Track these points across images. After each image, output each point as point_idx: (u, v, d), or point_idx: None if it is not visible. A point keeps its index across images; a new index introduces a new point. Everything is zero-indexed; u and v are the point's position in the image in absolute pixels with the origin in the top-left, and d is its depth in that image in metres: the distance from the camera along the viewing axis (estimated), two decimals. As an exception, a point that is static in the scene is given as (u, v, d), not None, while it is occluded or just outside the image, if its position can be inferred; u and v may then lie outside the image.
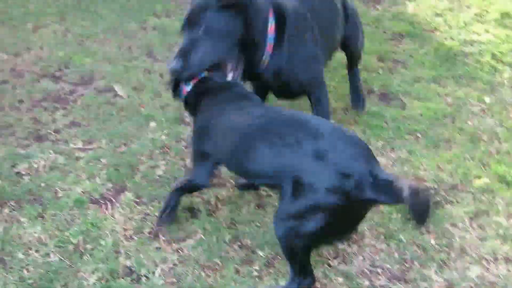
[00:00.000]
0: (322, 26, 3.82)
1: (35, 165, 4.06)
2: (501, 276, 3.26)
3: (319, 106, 3.92)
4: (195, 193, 3.70)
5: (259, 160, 2.95)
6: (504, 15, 6.07)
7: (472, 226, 3.61)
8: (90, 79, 5.05)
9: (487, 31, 5.82)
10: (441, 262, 3.36)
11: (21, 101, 4.74)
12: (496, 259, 3.37)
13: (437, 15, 6.12)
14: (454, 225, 3.61)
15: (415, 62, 5.25)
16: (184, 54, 3.32)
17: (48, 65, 5.21)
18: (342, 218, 2.78)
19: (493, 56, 5.40)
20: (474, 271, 3.30)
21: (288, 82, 3.75)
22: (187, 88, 3.45)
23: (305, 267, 2.98)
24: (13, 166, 4.06)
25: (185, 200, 3.70)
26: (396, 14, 6.09)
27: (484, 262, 3.36)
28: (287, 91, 3.91)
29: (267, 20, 3.52)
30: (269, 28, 3.51)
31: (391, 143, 4.28)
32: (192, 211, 3.69)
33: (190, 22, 3.40)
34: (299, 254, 2.91)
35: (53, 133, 4.39)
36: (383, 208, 3.64)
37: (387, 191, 2.65)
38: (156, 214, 3.62)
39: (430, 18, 6.08)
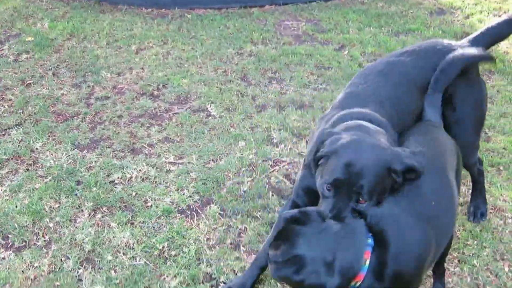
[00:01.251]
0: None
1: (128, 175, 4.26)
2: None
3: None
4: (280, 204, 3.82)
5: None
6: None
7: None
8: (185, 99, 5.25)
9: None
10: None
11: (120, 116, 4.98)
12: None
13: (531, 53, 6.03)
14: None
15: (502, 98, 5.19)
16: None
17: (147, 84, 5.46)
18: None
19: None
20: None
21: None
22: None
23: None
24: (108, 176, 4.28)
25: (266, 215, 3.81)
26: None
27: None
28: None
29: None
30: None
31: (473, 174, 4.24)
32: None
33: None
34: None
35: (147, 147, 4.59)
36: (459, 233, 3.64)
37: None
38: (239, 225, 3.74)
39: (523, 56, 5.99)
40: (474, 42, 3.41)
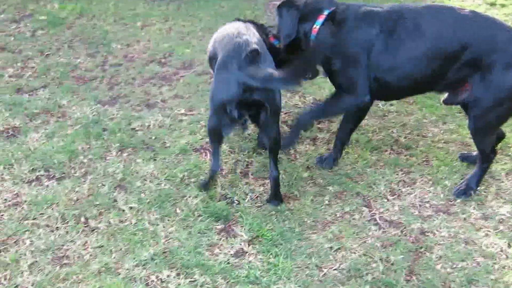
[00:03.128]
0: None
1: (147, 124, 4.84)
2: (528, 212, 3.85)
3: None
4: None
5: None
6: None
7: (507, 178, 4.20)
8: (190, 65, 5.84)
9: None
10: (479, 202, 3.96)
11: (134, 78, 5.56)
12: (525, 201, 3.96)
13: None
14: (492, 177, 4.21)
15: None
16: None
17: (155, 53, 6.04)
18: None
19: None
20: (506, 209, 3.91)
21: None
22: None
23: None
24: (129, 124, 4.85)
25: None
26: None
27: (515, 202, 3.95)
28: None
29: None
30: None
31: (443, 118, 4.90)
32: (275, 159, 4.40)
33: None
34: None
35: (161, 102, 5.18)
36: (432, 162, 4.29)
37: None
38: (246, 159, 4.35)
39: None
40: None
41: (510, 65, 3.59)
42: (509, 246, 3.58)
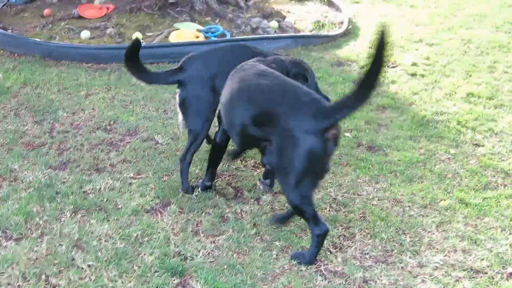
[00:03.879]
0: None
1: (98, 187, 5.00)
2: (458, 260, 4.20)
3: None
4: (226, 204, 4.69)
5: None
6: (470, 94, 7.14)
7: (438, 230, 4.56)
8: (135, 131, 6.07)
9: (454, 105, 6.88)
10: (414, 252, 4.29)
11: (82, 145, 5.74)
12: (455, 250, 4.31)
13: (414, 93, 7.20)
14: (424, 229, 4.56)
15: (395, 126, 6.28)
16: None
17: (100, 121, 6.25)
18: None
19: (459, 122, 6.42)
20: (438, 257, 4.24)
21: None
22: None
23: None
24: (80, 187, 5.00)
25: (217, 211, 4.68)
26: (381, 92, 7.18)
27: (446, 252, 4.30)
28: None
29: None
30: None
31: (376, 178, 5.27)
32: (223, 218, 4.64)
33: None
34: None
35: (109, 167, 5.36)
36: (369, 218, 4.63)
37: None
38: (196, 219, 4.58)
39: (408, 95, 7.15)
40: None
41: None
42: (443, 290, 3.89)
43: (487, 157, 5.67)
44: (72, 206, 4.69)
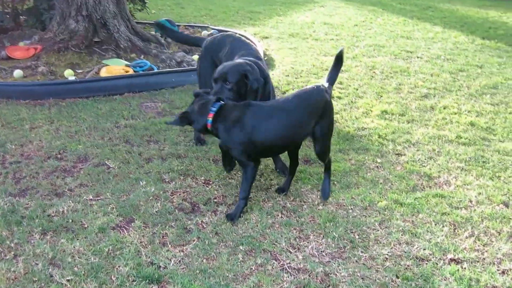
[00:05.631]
0: None
1: (61, 209, 5.02)
2: (404, 251, 4.51)
3: None
4: (186, 217, 4.82)
5: None
6: (384, 111, 7.61)
7: (381, 227, 4.86)
8: (85, 158, 6.10)
9: (372, 122, 7.30)
10: (364, 247, 4.56)
11: (37, 173, 5.72)
12: (400, 243, 4.63)
13: (336, 113, 7.57)
14: (369, 227, 4.84)
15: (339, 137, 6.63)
16: None
17: (49, 150, 6.23)
18: None
19: (379, 136, 6.83)
20: (386, 250, 4.52)
21: None
22: None
23: None
24: (44, 211, 4.99)
25: (179, 224, 4.81)
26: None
27: (392, 245, 4.60)
28: None
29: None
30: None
31: (317, 187, 5.54)
32: (186, 229, 4.77)
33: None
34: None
35: (68, 191, 5.38)
36: (318, 220, 4.88)
37: None
38: (161, 231, 4.69)
39: (330, 115, 7.52)
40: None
41: None
42: (397, 277, 4.17)
43: (410, 164, 6.04)
44: (40, 228, 4.69)
